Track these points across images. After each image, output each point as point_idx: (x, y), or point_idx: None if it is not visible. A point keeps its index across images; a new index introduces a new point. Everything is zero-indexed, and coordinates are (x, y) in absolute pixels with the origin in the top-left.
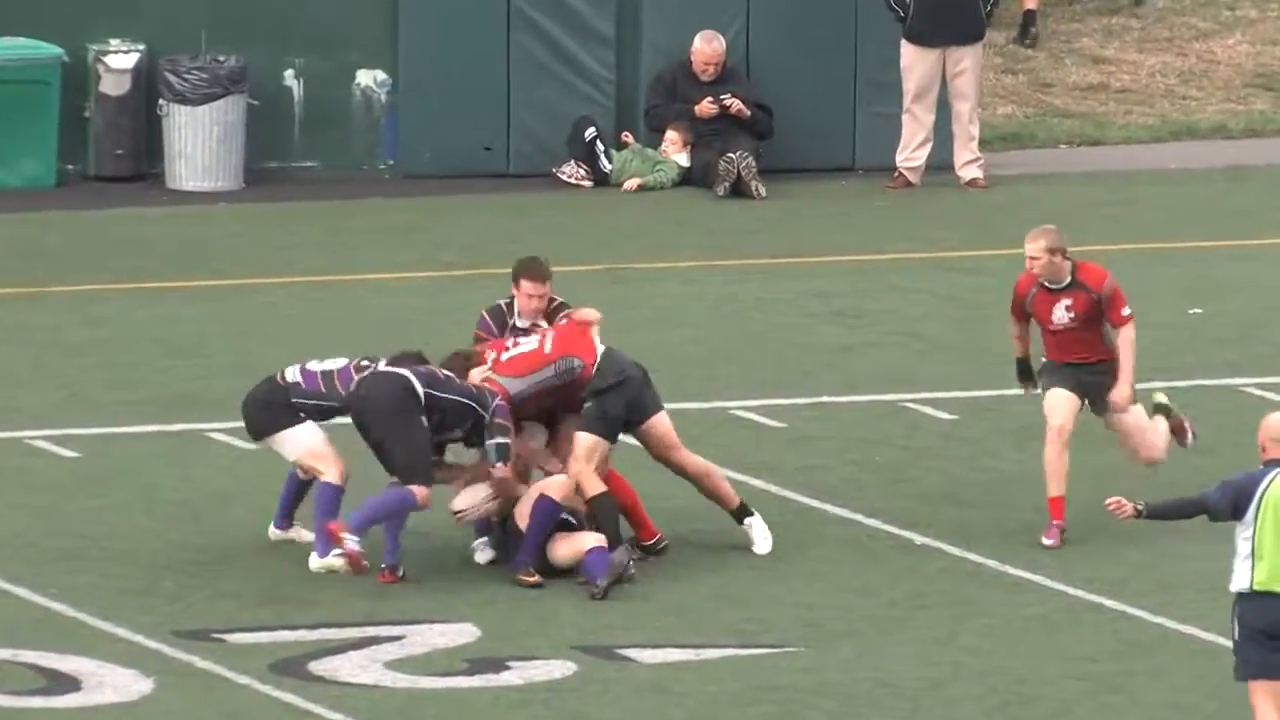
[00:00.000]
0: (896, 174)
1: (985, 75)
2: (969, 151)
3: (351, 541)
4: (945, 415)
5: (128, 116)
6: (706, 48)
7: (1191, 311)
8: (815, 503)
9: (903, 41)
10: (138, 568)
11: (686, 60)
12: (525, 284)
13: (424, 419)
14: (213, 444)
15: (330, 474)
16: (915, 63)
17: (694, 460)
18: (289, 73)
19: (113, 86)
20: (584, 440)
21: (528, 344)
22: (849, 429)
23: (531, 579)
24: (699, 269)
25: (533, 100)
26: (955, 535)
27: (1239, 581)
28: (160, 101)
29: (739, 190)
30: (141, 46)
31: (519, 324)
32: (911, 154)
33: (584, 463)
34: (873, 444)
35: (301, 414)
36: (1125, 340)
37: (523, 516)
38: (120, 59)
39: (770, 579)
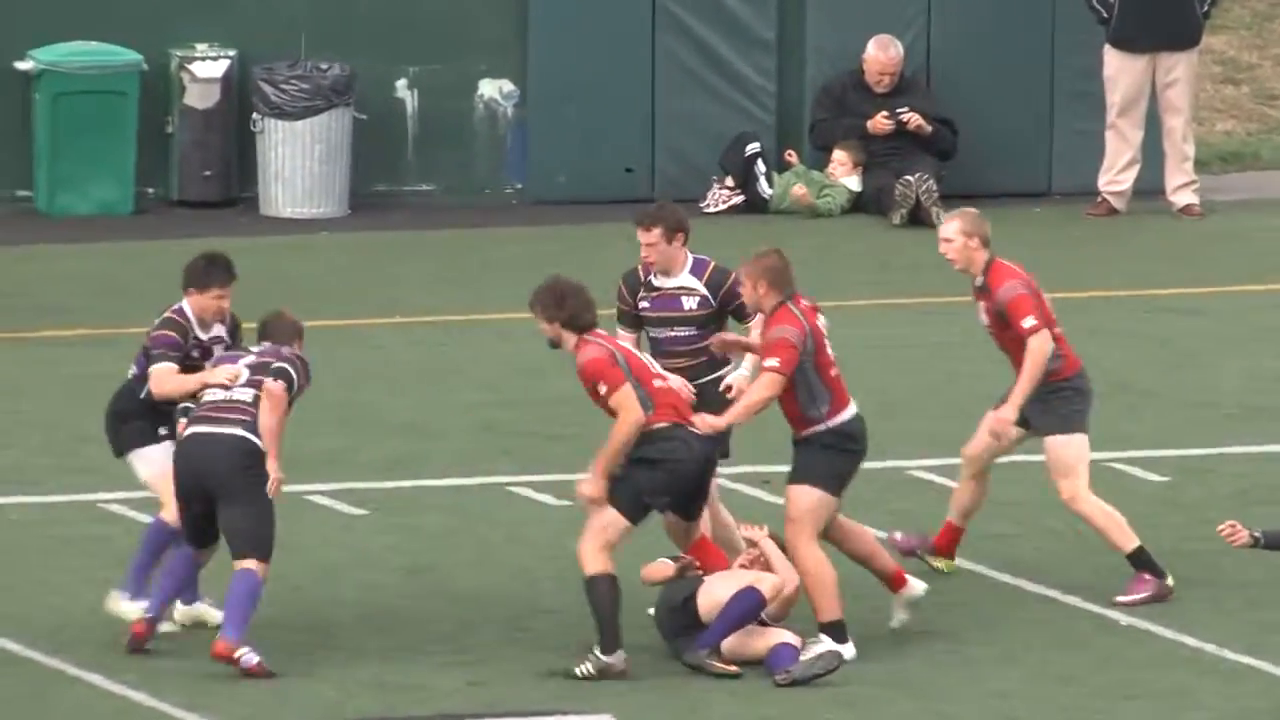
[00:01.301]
0: (1099, 199)
1: (1202, 86)
2: (1182, 174)
3: (249, 656)
4: (1156, 477)
5: (216, 132)
6: (882, 55)
7: None
8: (1006, 577)
9: (1106, 47)
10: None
11: (858, 69)
12: (639, 234)
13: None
14: (314, 509)
15: (167, 510)
16: (1121, 71)
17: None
18: (401, 83)
19: (199, 98)
20: (807, 497)
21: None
22: (1044, 492)
23: (730, 668)
24: (871, 308)
25: (681, 114)
26: (1166, 615)
27: None
28: (254, 116)
29: (917, 218)
30: (232, 52)
31: (653, 281)
32: (1116, 176)
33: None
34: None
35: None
36: (1029, 354)
37: (712, 602)
38: (208, 66)
39: (954, 664)
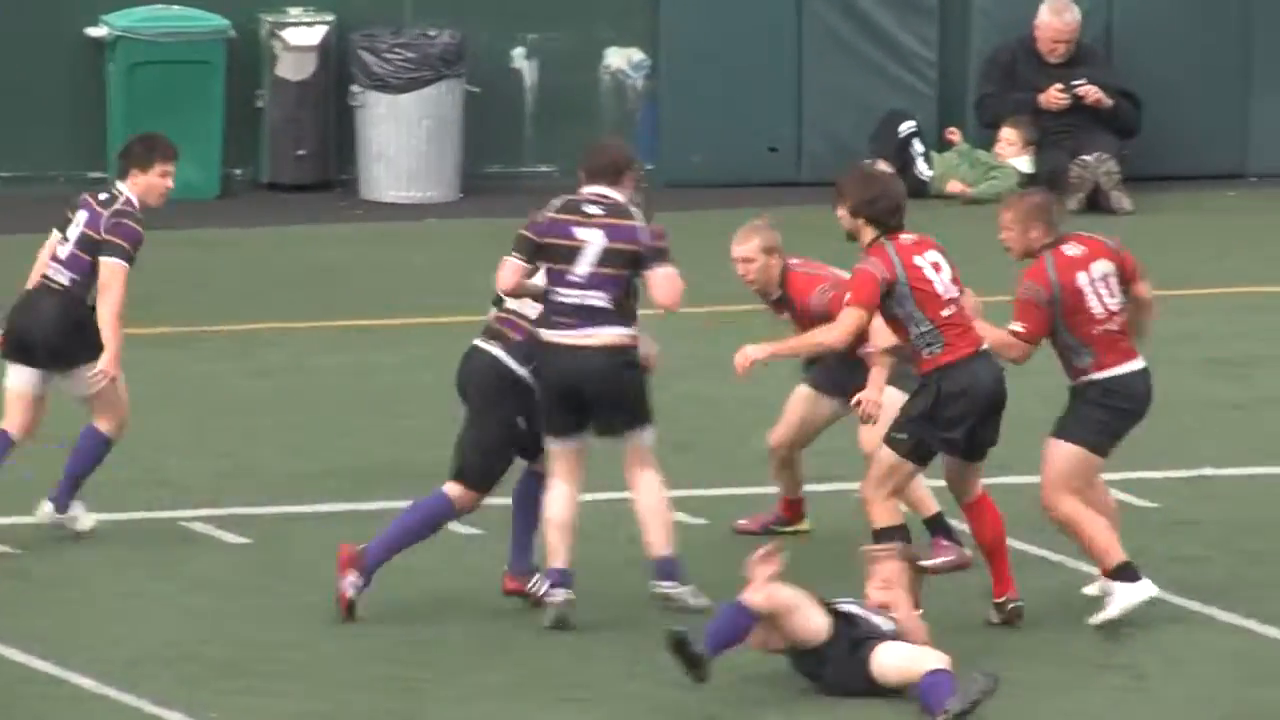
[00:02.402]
0: None
1: None
2: None
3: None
4: None
5: (311, 107)
6: (1056, 20)
7: None
8: (1194, 604)
9: None
10: (323, 685)
11: (1029, 36)
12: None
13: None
14: None
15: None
16: None
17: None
18: (518, 52)
19: (292, 69)
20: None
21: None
22: (1238, 511)
23: None
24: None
25: (832, 88)
26: None
27: None
28: (353, 88)
29: (1097, 203)
30: (330, 17)
31: None
32: None
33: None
34: (1269, 530)
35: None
36: (828, 325)
37: (893, 668)
38: (302, 33)
39: (1137, 701)
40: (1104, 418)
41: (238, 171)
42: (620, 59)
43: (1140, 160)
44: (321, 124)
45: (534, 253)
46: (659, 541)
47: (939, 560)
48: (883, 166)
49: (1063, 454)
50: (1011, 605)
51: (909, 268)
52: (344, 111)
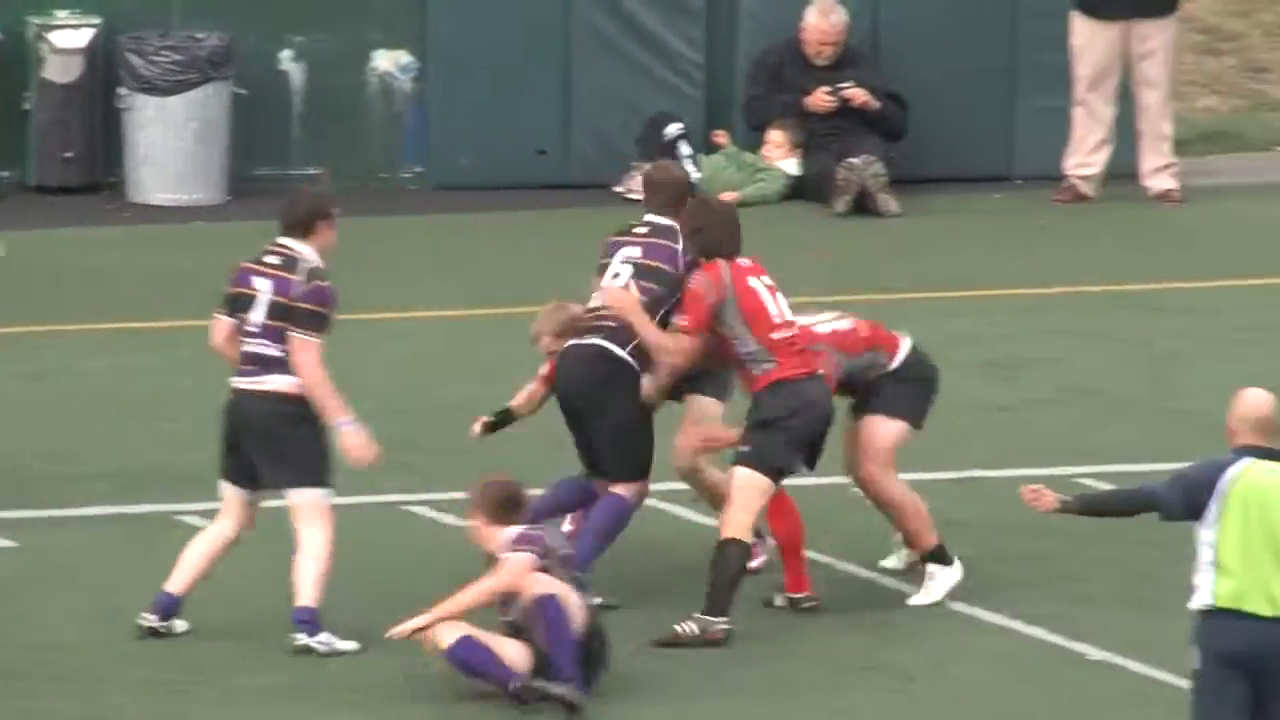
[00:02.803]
0: (1066, 184)
1: (1181, 57)
2: (1160, 156)
3: None
4: None
5: (78, 110)
6: (823, 22)
7: None
8: (961, 606)
9: (1073, 13)
10: (95, 688)
11: (796, 39)
12: None
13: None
14: (184, 530)
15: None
16: (1090, 41)
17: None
18: (286, 54)
19: (59, 71)
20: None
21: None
22: (1005, 512)
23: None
24: (811, 306)
25: (599, 90)
26: (1137, 648)
27: (1199, 597)
28: (120, 90)
29: (864, 206)
30: (96, 20)
31: None
32: (1085, 159)
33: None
34: (1035, 532)
35: None
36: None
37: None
38: (68, 35)
39: (904, 702)
40: (917, 393)
41: (4, 174)
42: (388, 61)
43: (907, 163)
44: (89, 126)
45: (228, 302)
46: (300, 591)
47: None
48: (648, 169)
49: (889, 430)
50: (808, 604)
51: (741, 289)
52: (111, 114)
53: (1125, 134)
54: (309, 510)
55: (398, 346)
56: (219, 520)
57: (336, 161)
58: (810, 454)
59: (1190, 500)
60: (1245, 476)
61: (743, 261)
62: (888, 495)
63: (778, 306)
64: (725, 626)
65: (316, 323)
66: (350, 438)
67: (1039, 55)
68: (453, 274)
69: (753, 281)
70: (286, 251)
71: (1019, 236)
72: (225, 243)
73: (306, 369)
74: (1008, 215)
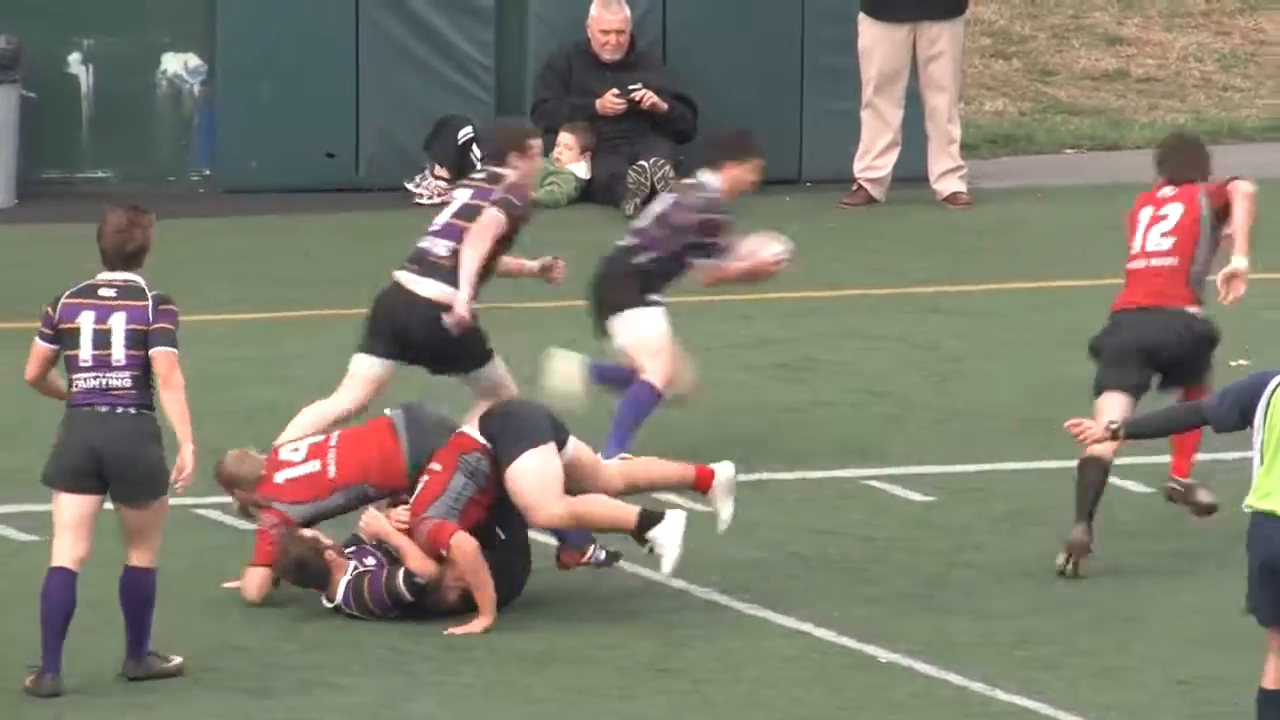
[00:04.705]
0: (855, 187)
1: (969, 60)
2: (948, 158)
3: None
4: (918, 496)
5: None
6: (605, 13)
7: (1235, 363)
8: (753, 609)
9: (861, 16)
10: None
11: (585, 41)
12: None
13: None
14: None
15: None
16: (877, 43)
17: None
18: (74, 57)
19: None
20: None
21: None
22: (796, 515)
23: None
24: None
25: (389, 92)
26: (930, 650)
27: (1248, 498)
28: None
29: None
30: None
31: None
32: (873, 161)
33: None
34: (826, 534)
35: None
36: None
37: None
38: None
39: (695, 706)
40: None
41: None
42: (177, 64)
43: (696, 164)
44: None
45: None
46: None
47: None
48: (441, 173)
49: (528, 470)
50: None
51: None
52: None
53: (914, 137)
54: (139, 531)
55: (184, 350)
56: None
57: (125, 165)
58: None
59: (1243, 409)
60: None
61: None
62: (565, 524)
63: None
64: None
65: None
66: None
67: (828, 58)
68: (242, 277)
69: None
70: (119, 284)
71: (809, 239)
72: (13, 246)
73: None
74: (797, 218)
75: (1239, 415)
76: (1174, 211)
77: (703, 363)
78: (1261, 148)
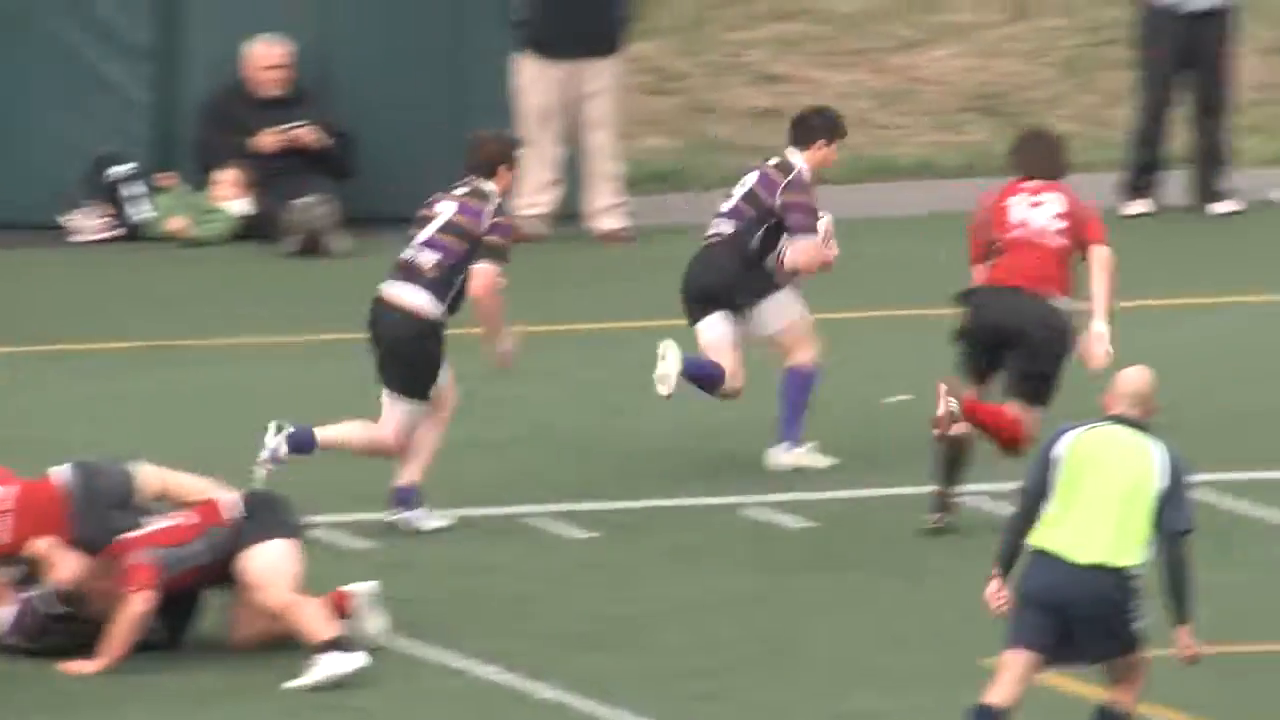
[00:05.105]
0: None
1: (629, 97)
2: (608, 195)
3: None
4: (579, 533)
5: None
6: (262, 49)
7: (887, 401)
8: (415, 647)
9: (520, 53)
10: None
11: (244, 79)
12: None
13: None
14: None
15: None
16: (535, 81)
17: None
18: None
19: None
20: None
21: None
22: (456, 551)
23: None
24: (257, 347)
25: (43, 130)
26: (590, 686)
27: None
28: None
29: (313, 246)
30: None
31: None
32: (533, 198)
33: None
34: (486, 570)
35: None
36: None
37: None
38: None
39: None
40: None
41: None
42: None
43: (358, 202)
44: None
45: None
46: None
47: None
48: (95, 210)
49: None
50: None
51: None
52: None
53: (573, 174)
54: None
55: None
56: None
57: None
58: None
59: (1046, 466)
60: (1087, 435)
61: None
62: (283, 610)
63: None
64: None
65: None
66: None
67: (486, 96)
68: None
69: None
70: None
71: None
72: None
73: None
74: None
75: (1042, 474)
76: (1056, 201)
77: (357, 402)
78: (916, 185)
